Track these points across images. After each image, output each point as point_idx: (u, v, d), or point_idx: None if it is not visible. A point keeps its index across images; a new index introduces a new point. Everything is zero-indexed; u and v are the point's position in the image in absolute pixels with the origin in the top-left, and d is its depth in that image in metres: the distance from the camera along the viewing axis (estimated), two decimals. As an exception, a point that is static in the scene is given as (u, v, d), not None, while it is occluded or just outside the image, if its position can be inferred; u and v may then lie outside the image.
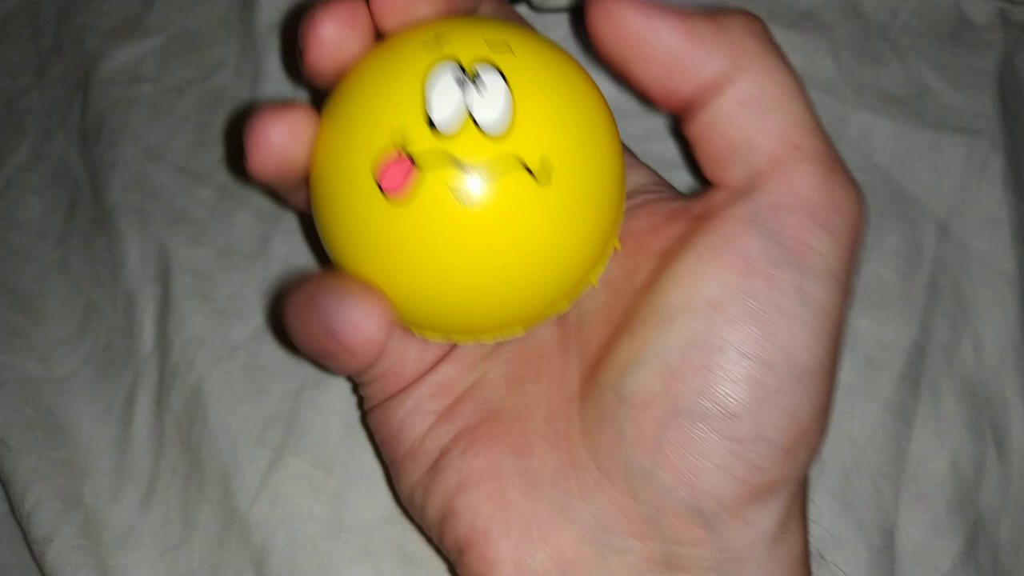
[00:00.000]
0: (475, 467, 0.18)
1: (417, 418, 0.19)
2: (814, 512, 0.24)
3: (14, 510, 0.25)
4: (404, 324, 0.18)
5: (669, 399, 0.16)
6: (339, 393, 0.25)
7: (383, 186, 0.14)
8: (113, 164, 0.30)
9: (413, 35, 0.15)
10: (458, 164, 0.14)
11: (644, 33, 0.16)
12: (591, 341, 0.18)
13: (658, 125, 0.29)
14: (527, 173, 0.14)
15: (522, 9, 0.31)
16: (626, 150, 0.21)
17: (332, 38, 0.16)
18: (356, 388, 0.24)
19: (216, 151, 0.30)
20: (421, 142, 0.14)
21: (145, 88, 0.31)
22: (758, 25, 0.17)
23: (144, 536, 0.24)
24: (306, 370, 0.26)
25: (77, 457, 0.25)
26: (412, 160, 0.14)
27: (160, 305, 0.27)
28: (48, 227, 0.30)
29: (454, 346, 0.20)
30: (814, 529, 0.19)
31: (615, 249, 0.18)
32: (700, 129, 0.17)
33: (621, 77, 0.18)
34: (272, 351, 0.26)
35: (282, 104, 0.16)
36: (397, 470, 0.20)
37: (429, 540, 0.22)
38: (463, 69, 0.14)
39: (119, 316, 0.27)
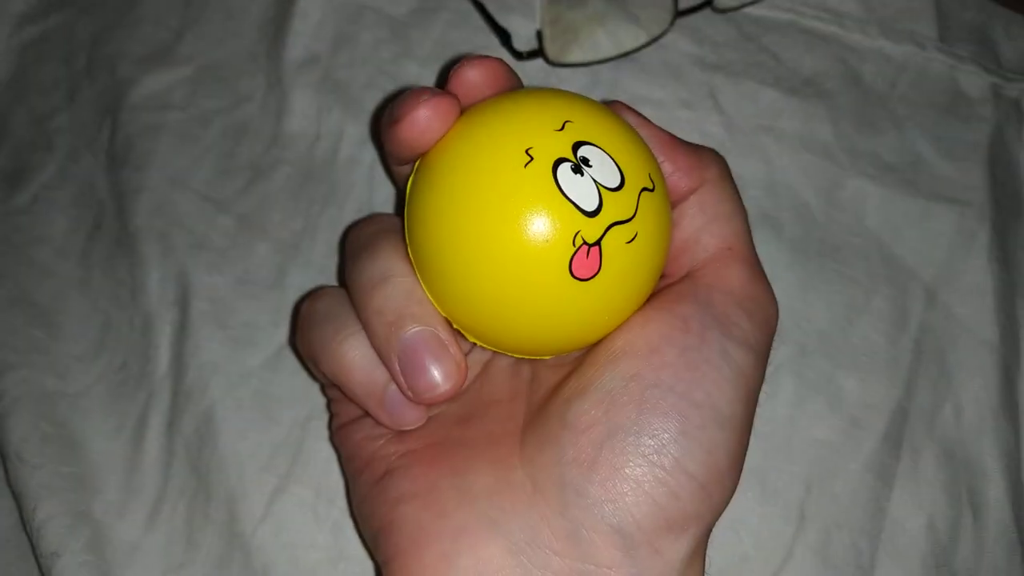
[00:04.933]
0: (416, 484, 0.20)
1: (372, 438, 0.21)
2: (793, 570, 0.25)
3: (24, 522, 0.26)
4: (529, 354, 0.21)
5: (607, 424, 0.19)
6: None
7: (579, 275, 0.18)
8: (139, 189, 0.31)
9: (507, 165, 0.18)
10: (620, 223, 0.18)
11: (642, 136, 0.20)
12: (540, 389, 0.21)
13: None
14: (648, 190, 0.19)
15: (537, 64, 0.32)
16: None
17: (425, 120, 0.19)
18: (329, 405, 0.25)
19: (238, 181, 0.31)
20: (593, 230, 0.18)
21: (173, 116, 0.33)
22: (722, 158, 0.22)
23: (148, 554, 0.25)
24: (315, 400, 0.27)
25: (88, 473, 0.26)
26: (596, 245, 0.18)
27: (177, 329, 0.28)
28: (71, 245, 0.31)
29: None
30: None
31: None
32: None
33: None
34: (283, 380, 0.27)
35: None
36: (352, 484, 0.22)
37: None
38: (570, 160, 0.18)
39: (136, 337, 0.28)
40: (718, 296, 0.20)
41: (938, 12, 0.33)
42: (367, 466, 0.21)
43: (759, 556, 0.25)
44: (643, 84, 0.32)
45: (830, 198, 0.30)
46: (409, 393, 0.20)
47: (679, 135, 0.31)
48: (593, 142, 0.19)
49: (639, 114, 0.21)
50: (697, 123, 0.31)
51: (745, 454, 0.20)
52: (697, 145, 0.22)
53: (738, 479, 0.19)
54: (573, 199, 0.18)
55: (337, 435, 0.23)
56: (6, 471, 0.26)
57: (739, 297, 0.20)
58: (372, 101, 0.32)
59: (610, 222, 0.18)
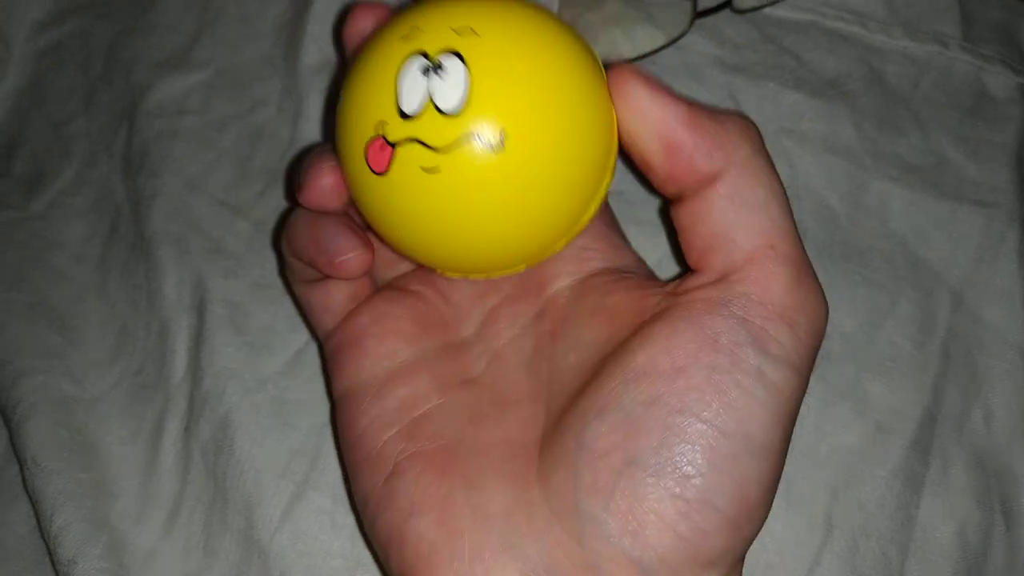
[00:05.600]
0: (428, 493, 0.19)
1: (379, 426, 0.20)
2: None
3: (41, 528, 0.26)
4: (412, 261, 0.21)
5: (627, 451, 0.17)
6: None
7: (371, 166, 0.18)
8: (155, 194, 0.31)
9: (394, 29, 0.18)
10: (422, 143, 0.17)
11: (650, 110, 0.18)
12: (560, 395, 0.20)
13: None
14: (480, 144, 0.17)
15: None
16: (619, 234, 0.23)
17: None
18: (325, 368, 0.25)
19: (255, 186, 0.31)
20: (395, 130, 0.17)
21: (189, 121, 0.33)
22: (754, 129, 0.19)
23: (165, 561, 0.25)
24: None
25: (105, 479, 0.26)
26: (390, 144, 0.17)
27: (194, 334, 0.28)
28: (88, 250, 0.31)
29: (419, 353, 0.21)
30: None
31: (607, 190, 0.20)
32: (688, 217, 0.19)
33: (627, 151, 0.19)
34: (300, 385, 0.27)
35: (325, 156, 0.20)
36: (355, 473, 0.21)
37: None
38: (429, 59, 0.17)
39: (153, 342, 0.28)
40: (755, 308, 0.18)
41: (962, 11, 0.33)
42: (371, 461, 0.20)
43: (785, 565, 0.25)
44: (662, 86, 0.31)
45: (854, 201, 0.30)
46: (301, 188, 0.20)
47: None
48: (470, 61, 0.17)
49: (649, 80, 0.18)
50: (717, 125, 0.31)
51: (779, 480, 0.18)
52: (723, 114, 0.19)
53: (770, 508, 0.18)
54: (400, 91, 0.17)
55: (339, 411, 0.22)
56: (23, 477, 0.26)
57: (780, 307, 0.18)
58: (388, 105, 0.32)
59: (413, 136, 0.17)
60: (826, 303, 0.19)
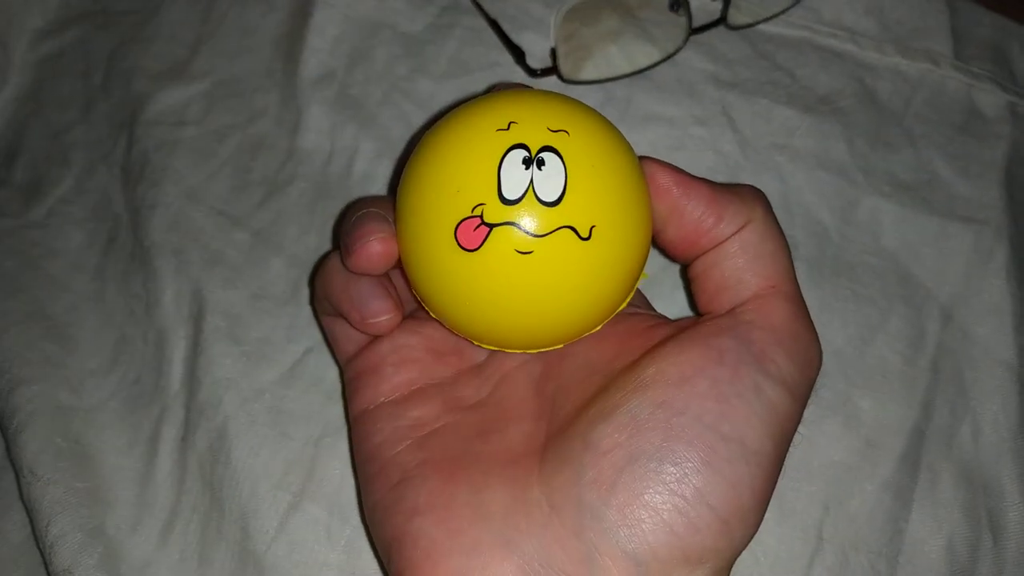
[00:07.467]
0: (432, 496, 0.20)
1: (392, 441, 0.22)
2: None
3: (36, 537, 0.26)
4: (467, 337, 0.21)
5: (630, 448, 0.18)
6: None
7: (461, 243, 0.18)
8: (154, 204, 0.31)
9: (488, 119, 0.19)
10: (520, 228, 0.18)
11: (681, 199, 0.20)
12: (563, 408, 0.21)
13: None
14: (572, 232, 0.18)
15: (551, 80, 0.32)
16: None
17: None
18: (348, 385, 0.25)
19: (254, 196, 0.31)
20: (495, 213, 0.18)
21: (188, 131, 0.33)
22: (762, 194, 0.22)
23: (160, 571, 0.25)
24: (328, 417, 0.27)
25: (101, 488, 0.26)
26: (488, 226, 0.18)
27: (191, 344, 0.28)
28: (86, 259, 0.31)
29: (433, 380, 0.23)
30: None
31: (644, 278, 0.22)
32: (704, 266, 0.21)
33: (657, 235, 0.21)
34: (297, 396, 0.27)
35: (376, 222, 0.20)
36: (367, 485, 0.22)
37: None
38: (529, 151, 0.18)
39: (150, 352, 0.28)
40: (758, 332, 0.20)
41: (953, 30, 0.33)
42: (383, 471, 0.21)
43: (776, 578, 0.25)
44: (657, 101, 0.32)
45: (845, 217, 0.30)
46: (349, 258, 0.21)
47: (693, 153, 0.31)
48: (566, 158, 0.18)
49: (674, 168, 0.20)
50: (711, 141, 0.31)
51: (771, 494, 0.19)
52: (737, 187, 0.21)
53: (762, 518, 0.19)
54: (502, 178, 0.18)
55: (355, 430, 0.23)
56: (19, 486, 0.26)
57: (780, 335, 0.20)
58: (387, 117, 0.32)
59: (512, 221, 0.18)
60: (819, 346, 0.21)
